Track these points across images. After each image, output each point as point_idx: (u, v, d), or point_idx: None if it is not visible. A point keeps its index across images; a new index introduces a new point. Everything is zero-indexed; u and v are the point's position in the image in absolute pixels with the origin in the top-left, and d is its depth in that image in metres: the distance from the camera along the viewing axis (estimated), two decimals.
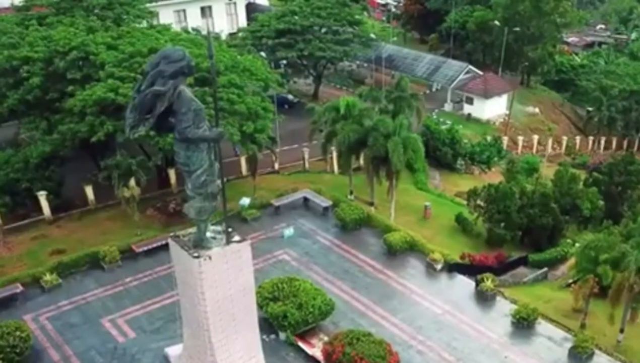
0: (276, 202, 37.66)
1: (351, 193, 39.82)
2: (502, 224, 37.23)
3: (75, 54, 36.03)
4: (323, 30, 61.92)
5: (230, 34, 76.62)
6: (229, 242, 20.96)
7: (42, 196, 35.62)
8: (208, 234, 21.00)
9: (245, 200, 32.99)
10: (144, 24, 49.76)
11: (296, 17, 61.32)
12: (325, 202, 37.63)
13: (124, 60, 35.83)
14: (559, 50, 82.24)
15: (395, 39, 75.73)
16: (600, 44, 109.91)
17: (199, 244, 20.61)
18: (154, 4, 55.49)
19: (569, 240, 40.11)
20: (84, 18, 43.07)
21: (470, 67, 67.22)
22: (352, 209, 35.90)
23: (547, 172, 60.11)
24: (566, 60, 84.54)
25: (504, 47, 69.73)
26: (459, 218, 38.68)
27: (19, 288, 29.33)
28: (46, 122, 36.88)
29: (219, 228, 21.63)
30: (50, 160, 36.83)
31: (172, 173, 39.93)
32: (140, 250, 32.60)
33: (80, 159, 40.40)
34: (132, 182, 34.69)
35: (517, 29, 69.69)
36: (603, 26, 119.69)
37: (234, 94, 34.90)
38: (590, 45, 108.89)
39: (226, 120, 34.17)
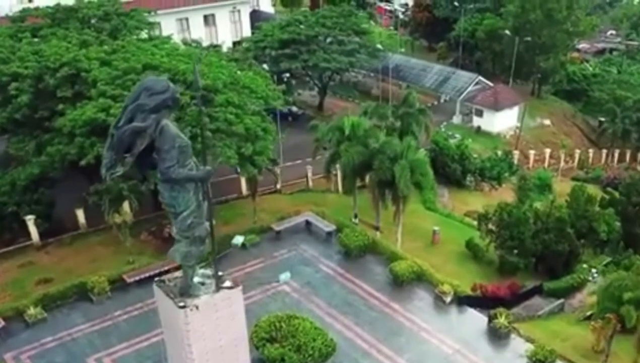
0: (277, 227, 35.75)
1: (356, 216, 37.90)
2: (515, 251, 35.15)
3: (66, 71, 34.25)
4: (328, 40, 60.13)
5: (234, 43, 75.17)
6: (218, 288, 19.03)
7: (30, 221, 33.89)
8: (196, 279, 19.11)
9: (239, 239, 30.50)
10: (143, 35, 48.13)
11: (301, 27, 59.58)
12: (329, 227, 35.70)
13: (117, 77, 34.03)
14: (569, 58, 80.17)
15: (402, 50, 73.68)
16: (611, 50, 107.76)
17: (185, 291, 18.71)
18: (154, 12, 53.46)
19: (585, 266, 38.07)
20: (78, 31, 41.36)
21: (480, 78, 65.21)
22: (357, 235, 33.95)
23: (560, 187, 58.16)
24: (578, 69, 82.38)
25: (515, 56, 67.77)
26: (470, 244, 36.65)
27: (0, 323, 27.52)
28: (36, 141, 35.08)
29: (208, 272, 19.72)
30: (39, 181, 35.01)
31: None
32: (132, 280, 30.74)
33: (74, 179, 38.56)
34: (126, 206, 32.87)
35: (529, 38, 67.59)
36: (614, 32, 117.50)
37: (232, 114, 33.04)
38: (601, 51, 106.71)
39: (223, 141, 32.36)
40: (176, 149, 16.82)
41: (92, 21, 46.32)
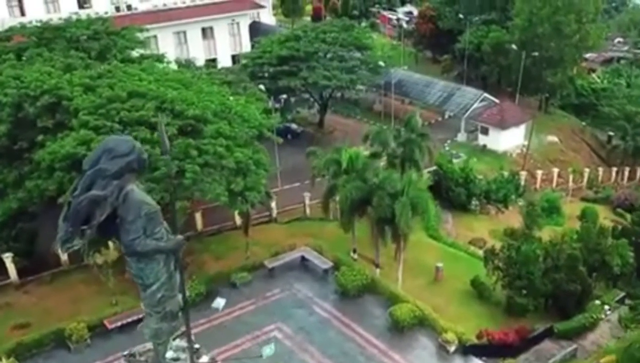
0: (270, 264, 33.78)
1: (354, 251, 35.83)
2: (524, 291, 32.99)
3: (47, 99, 32.37)
4: (329, 55, 58.02)
5: (233, 56, 73.32)
6: None
7: (7, 259, 31.94)
8: (169, 355, 17.05)
9: (220, 302, 27.86)
10: (134, 54, 46.23)
11: (300, 43, 57.50)
12: (326, 264, 33.73)
13: (100, 105, 32.06)
14: (577, 71, 77.85)
15: (406, 67, 71.47)
16: (619, 59, 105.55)
17: None
18: (146, 30, 51.53)
19: (597, 302, 35.90)
20: (64, 52, 39.44)
21: (486, 95, 62.95)
22: (355, 274, 31.96)
23: (570, 208, 56.00)
24: (586, 83, 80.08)
25: (522, 71, 65.57)
26: (475, 283, 34.52)
27: None
28: (15, 173, 33.10)
29: (183, 344, 17.66)
30: (18, 216, 33.03)
31: None
32: (113, 326, 28.76)
33: (58, 210, 36.60)
34: (110, 243, 30.83)
35: (536, 53, 65.37)
36: (621, 39, 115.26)
37: (222, 146, 31.00)
38: (608, 60, 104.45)
39: (212, 176, 30.32)
40: (143, 218, 14.77)
41: (82, 39, 44.41)
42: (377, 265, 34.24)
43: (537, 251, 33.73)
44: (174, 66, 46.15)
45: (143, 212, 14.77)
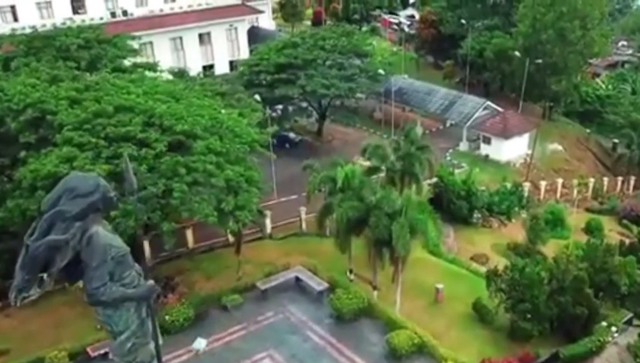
0: (262, 285, 32.34)
1: (351, 271, 34.39)
2: (528, 315, 31.52)
3: (30, 114, 31.06)
4: (328, 62, 56.63)
5: (231, 62, 71.99)
6: None
7: None
8: None
9: (201, 343, 26.17)
10: (127, 62, 44.93)
11: (298, 50, 56.16)
12: (321, 285, 32.29)
13: (85, 120, 30.73)
14: (582, 77, 76.38)
15: (406, 76, 69.94)
16: (623, 63, 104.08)
17: None
18: (139, 38, 50.22)
19: (604, 324, 34.42)
20: (51, 63, 38.10)
21: (489, 103, 61.51)
22: (351, 297, 30.50)
23: (575, 220, 54.49)
24: (591, 89, 78.56)
25: (525, 78, 64.17)
26: (477, 306, 33.03)
27: None
28: None
29: None
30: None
31: (146, 243, 34.77)
32: (96, 353, 27.38)
33: None
34: None
35: (540, 61, 63.94)
36: (625, 43, 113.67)
37: (212, 164, 29.62)
38: (613, 65, 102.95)
39: (200, 195, 28.96)
40: (109, 262, 13.38)
41: (72, 48, 43.10)
42: (374, 287, 32.79)
43: (541, 273, 32.27)
44: (167, 75, 44.83)
45: (109, 257, 13.40)
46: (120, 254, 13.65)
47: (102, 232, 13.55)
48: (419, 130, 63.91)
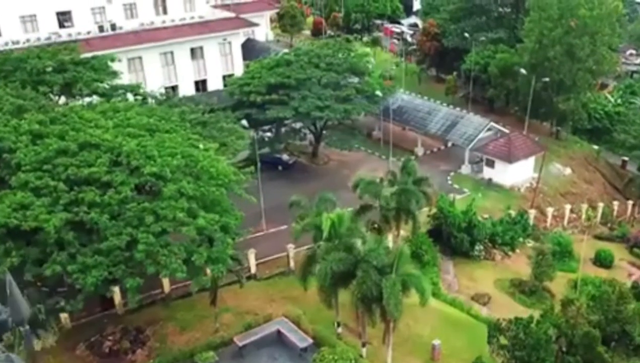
0: (240, 340, 29.48)
1: (338, 325, 31.35)
2: None
3: None
4: (323, 81, 53.63)
5: (224, 77, 69.09)
6: None
7: None
8: None
9: None
10: (105, 85, 42.21)
11: (292, 68, 53.27)
12: (304, 341, 29.44)
13: (46, 160, 28.02)
14: (592, 95, 73.19)
15: (407, 93, 66.90)
16: (632, 73, 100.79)
17: None
18: (119, 60, 47.35)
19: None
20: (18, 91, 35.35)
21: (493, 124, 58.47)
22: (337, 358, 27.50)
23: (584, 249, 51.28)
24: (600, 106, 75.30)
25: (531, 95, 61.07)
26: None
27: None
28: None
29: None
30: None
31: (117, 292, 31.79)
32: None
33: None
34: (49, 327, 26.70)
35: (547, 79, 60.87)
36: (633, 51, 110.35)
37: (183, 211, 26.73)
38: (621, 75, 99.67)
39: (169, 247, 26.10)
40: None
41: (47, 71, 40.41)
42: (363, 344, 29.78)
43: (548, 332, 29.22)
44: (150, 100, 42.07)
45: None
46: None
47: None
48: (419, 150, 61.29)
